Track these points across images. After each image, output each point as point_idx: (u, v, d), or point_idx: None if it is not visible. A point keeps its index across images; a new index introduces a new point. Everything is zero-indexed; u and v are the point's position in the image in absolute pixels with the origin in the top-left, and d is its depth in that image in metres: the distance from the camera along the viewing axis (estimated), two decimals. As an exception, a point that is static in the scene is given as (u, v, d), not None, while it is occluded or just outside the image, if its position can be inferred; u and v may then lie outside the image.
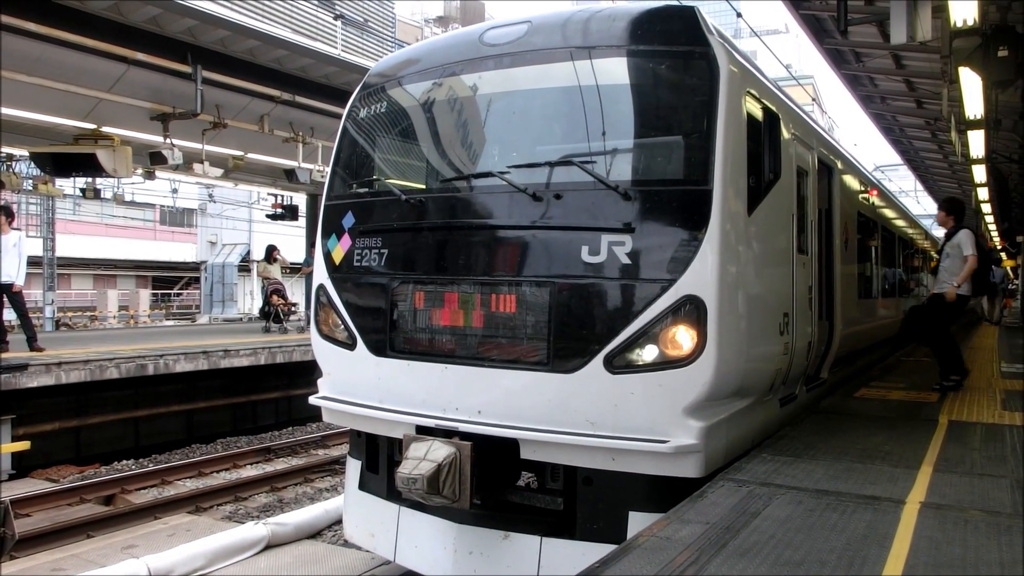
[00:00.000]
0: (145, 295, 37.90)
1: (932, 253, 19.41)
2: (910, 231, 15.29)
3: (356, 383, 5.53)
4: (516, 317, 4.79)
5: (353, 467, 6.00)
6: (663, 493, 4.52)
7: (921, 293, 16.78)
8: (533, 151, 5.22)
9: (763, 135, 5.29)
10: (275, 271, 18.97)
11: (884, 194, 12.85)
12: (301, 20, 15.76)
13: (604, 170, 4.76)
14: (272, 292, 18.83)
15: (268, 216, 21.82)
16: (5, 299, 11.64)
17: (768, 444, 5.46)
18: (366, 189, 5.82)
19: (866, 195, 9.93)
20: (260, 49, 13.32)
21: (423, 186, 5.67)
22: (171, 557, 6.77)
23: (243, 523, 8.10)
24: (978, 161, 13.48)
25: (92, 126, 13.31)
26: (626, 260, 4.52)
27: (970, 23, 7.12)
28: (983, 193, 18.97)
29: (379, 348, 5.32)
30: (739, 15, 15.44)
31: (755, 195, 5.04)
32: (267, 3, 14.69)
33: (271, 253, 18.90)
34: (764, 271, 5.28)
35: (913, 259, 15.65)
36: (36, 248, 22.47)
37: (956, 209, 8.37)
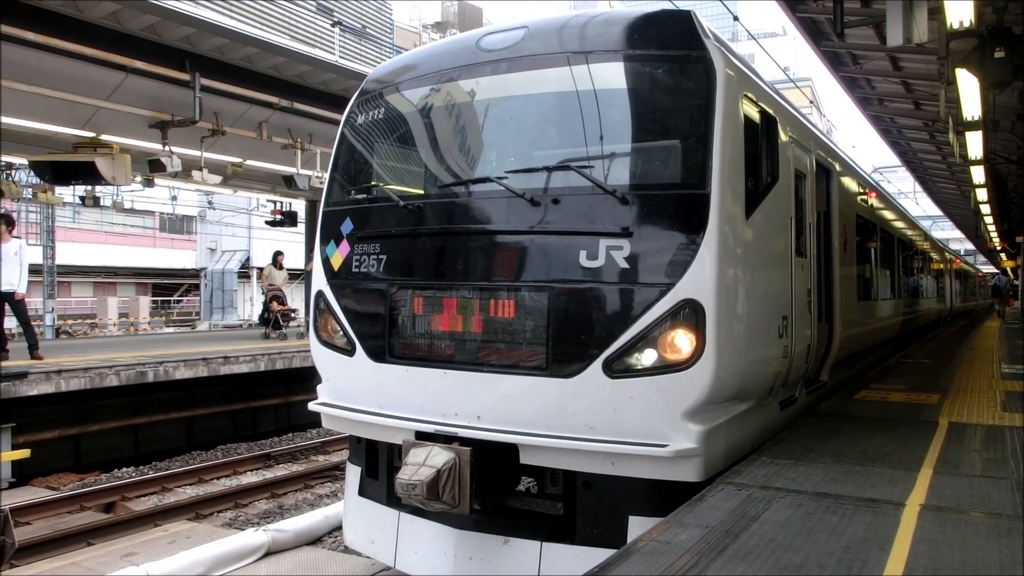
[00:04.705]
0: (145, 302, 37.90)
1: (932, 255, 19.46)
2: (909, 233, 15.28)
3: (355, 389, 5.53)
4: (515, 322, 4.78)
5: (353, 473, 5.99)
6: (663, 497, 4.51)
7: (921, 294, 16.79)
8: (531, 156, 5.22)
9: (760, 138, 5.30)
10: (279, 277, 18.96)
11: (883, 196, 12.85)
12: (299, 27, 15.76)
13: (602, 175, 4.76)
14: (272, 298, 18.83)
15: (267, 223, 21.85)
16: (7, 307, 11.66)
17: (767, 447, 5.45)
18: (364, 195, 5.83)
19: (864, 197, 9.93)
20: (258, 56, 13.35)
21: (421, 192, 5.68)
22: (171, 564, 6.76)
23: (243, 530, 8.09)
24: (976, 162, 13.49)
25: (91, 134, 13.33)
26: (624, 264, 4.52)
27: (966, 24, 7.13)
28: (982, 194, 18.97)
29: (378, 354, 5.32)
30: (736, 18, 15.46)
31: (753, 198, 5.04)
32: (265, 10, 14.70)
33: (276, 258, 18.91)
34: (762, 274, 5.28)
35: (912, 261, 15.64)
36: (36, 256, 22.46)
37: None
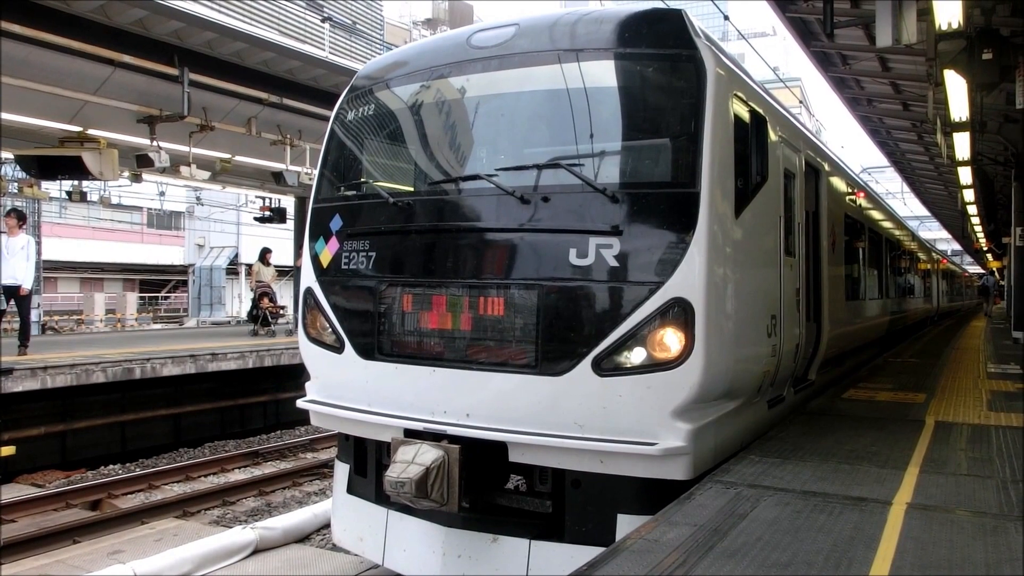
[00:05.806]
0: (132, 298, 37.59)
1: (919, 255, 19.58)
2: (897, 233, 15.37)
3: (344, 386, 5.51)
4: (504, 320, 4.78)
5: (341, 471, 5.97)
6: (651, 495, 4.52)
7: (908, 294, 16.89)
8: (521, 154, 5.21)
9: (750, 137, 5.31)
10: (267, 273, 18.87)
11: (871, 196, 12.91)
12: (289, 22, 15.71)
13: (592, 173, 4.76)
14: (261, 295, 18.75)
15: (256, 219, 21.72)
16: (11, 302, 11.60)
17: (756, 446, 5.47)
18: (354, 192, 5.81)
19: (853, 197, 9.98)
20: (247, 51, 13.26)
21: (411, 189, 5.66)
22: (158, 562, 6.72)
23: (231, 527, 8.06)
24: (964, 163, 13.58)
25: (78, 129, 13.19)
26: (614, 263, 4.53)
27: (955, 26, 7.18)
28: (969, 195, 19.11)
29: (367, 351, 5.30)
30: (726, 18, 15.51)
31: (742, 197, 5.05)
32: (254, 5, 14.62)
33: (264, 255, 18.82)
34: (751, 273, 5.30)
35: (900, 260, 15.73)
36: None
37: None
